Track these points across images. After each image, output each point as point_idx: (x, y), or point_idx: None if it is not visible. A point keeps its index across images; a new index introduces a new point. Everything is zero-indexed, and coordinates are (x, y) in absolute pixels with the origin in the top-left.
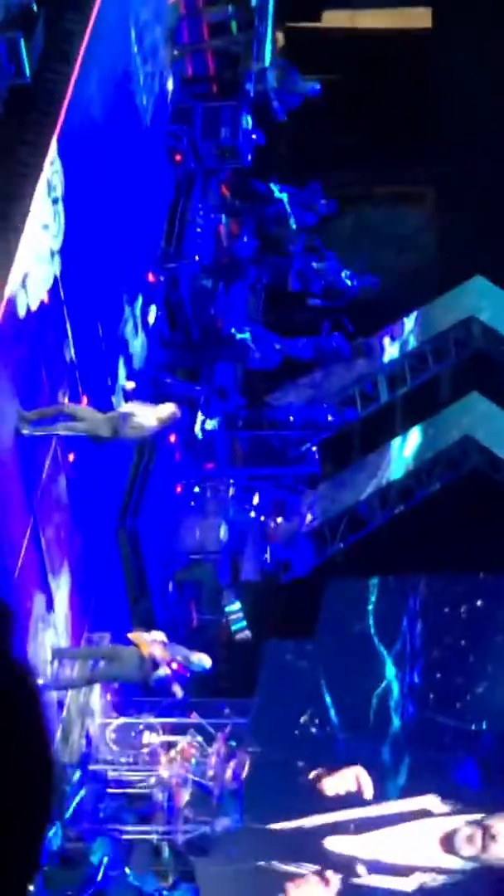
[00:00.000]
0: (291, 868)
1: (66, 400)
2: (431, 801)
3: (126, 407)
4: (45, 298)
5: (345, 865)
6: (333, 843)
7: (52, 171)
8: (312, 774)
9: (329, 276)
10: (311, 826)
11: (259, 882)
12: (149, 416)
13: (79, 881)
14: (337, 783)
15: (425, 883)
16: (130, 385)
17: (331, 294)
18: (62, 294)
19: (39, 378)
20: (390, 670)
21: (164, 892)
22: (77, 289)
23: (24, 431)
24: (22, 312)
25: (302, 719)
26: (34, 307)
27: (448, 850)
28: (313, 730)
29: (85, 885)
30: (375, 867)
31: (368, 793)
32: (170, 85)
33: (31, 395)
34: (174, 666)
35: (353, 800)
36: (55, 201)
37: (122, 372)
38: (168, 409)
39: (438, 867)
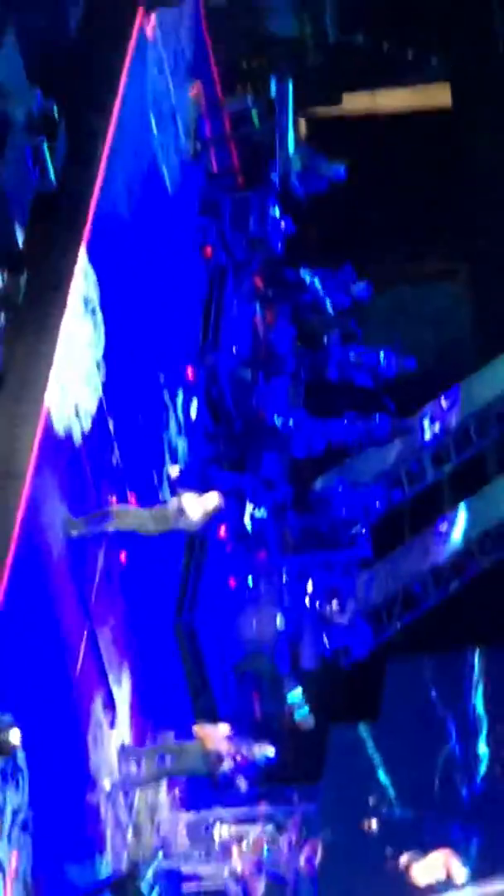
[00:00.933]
0: None
1: (114, 500)
2: None
3: (174, 501)
4: (88, 406)
5: None
6: None
7: (84, 278)
8: (403, 860)
9: (366, 359)
10: None
11: None
12: (195, 507)
13: None
14: (426, 870)
15: None
16: (175, 470)
17: (370, 377)
18: (105, 400)
19: (87, 483)
20: (456, 746)
21: None
22: (119, 392)
23: (74, 532)
24: (64, 423)
25: (370, 802)
26: (77, 417)
27: None
28: (383, 809)
29: None
30: None
31: (460, 877)
32: (196, 179)
33: (79, 502)
34: (239, 758)
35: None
36: (93, 311)
37: (167, 469)
38: (213, 499)
39: None
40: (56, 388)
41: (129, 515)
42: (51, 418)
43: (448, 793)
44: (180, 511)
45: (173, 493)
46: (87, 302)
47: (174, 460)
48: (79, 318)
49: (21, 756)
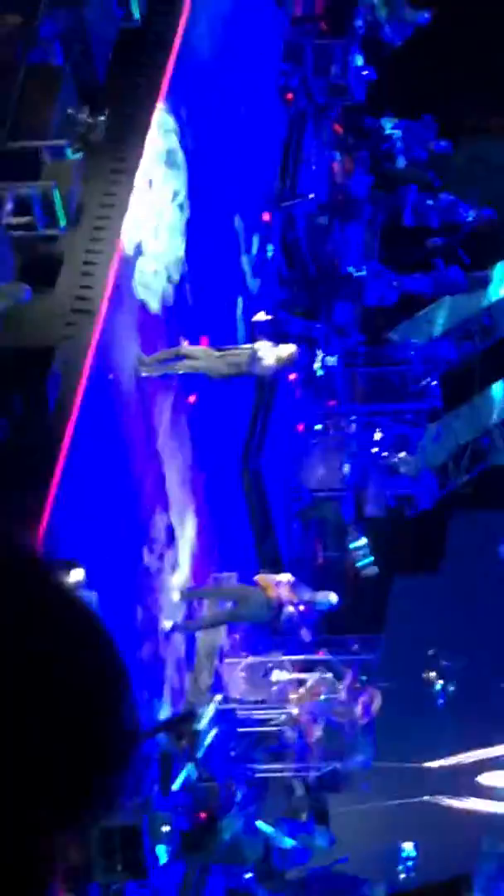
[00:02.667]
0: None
1: (186, 343)
2: None
3: (249, 347)
4: (164, 248)
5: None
6: (489, 779)
7: (165, 119)
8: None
9: (444, 209)
10: (462, 763)
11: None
12: (270, 356)
13: (210, 855)
14: None
15: None
16: (262, 316)
17: (447, 228)
18: (182, 242)
19: (159, 322)
20: None
21: (297, 838)
22: (195, 232)
23: (143, 372)
24: (139, 266)
25: (430, 653)
26: (153, 257)
27: None
28: (444, 662)
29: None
30: None
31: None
32: (280, 23)
33: (151, 341)
34: (301, 607)
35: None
36: (173, 152)
37: (240, 313)
38: (289, 349)
39: None
40: (132, 228)
41: (200, 357)
42: (126, 258)
43: None
44: (254, 357)
45: (252, 338)
46: (167, 142)
47: (248, 305)
48: (159, 159)
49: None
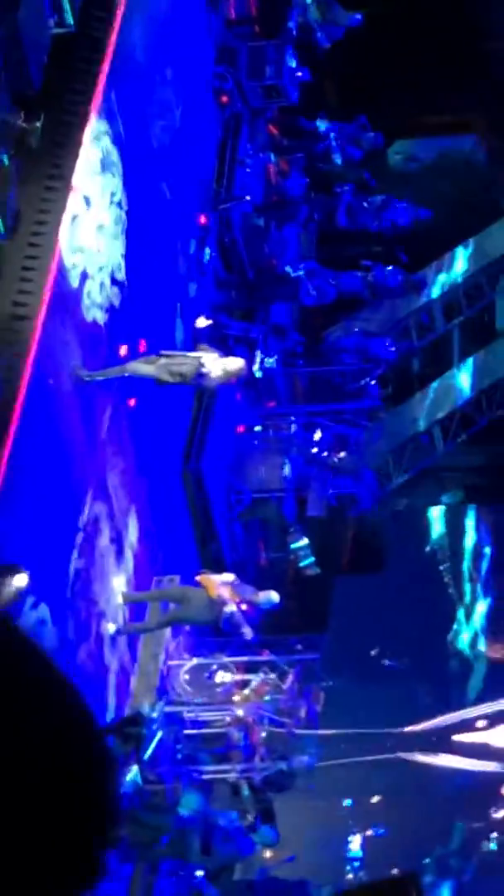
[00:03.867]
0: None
1: (125, 348)
2: None
3: (195, 357)
4: (100, 250)
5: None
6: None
7: (100, 122)
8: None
9: (380, 209)
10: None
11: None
12: (216, 368)
13: (163, 829)
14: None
15: None
16: (202, 322)
17: (383, 227)
18: (115, 241)
19: (98, 326)
20: (460, 598)
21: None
22: (132, 236)
23: (85, 377)
24: (75, 272)
25: (372, 653)
26: (88, 263)
27: None
28: (385, 662)
29: (167, 833)
30: None
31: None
32: (214, 27)
33: (90, 344)
34: (244, 607)
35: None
36: (108, 155)
37: (178, 317)
38: (237, 363)
39: None
40: (68, 233)
41: (144, 366)
42: (63, 262)
43: (449, 644)
44: (200, 369)
45: (194, 343)
46: (101, 146)
47: (186, 309)
48: (93, 162)
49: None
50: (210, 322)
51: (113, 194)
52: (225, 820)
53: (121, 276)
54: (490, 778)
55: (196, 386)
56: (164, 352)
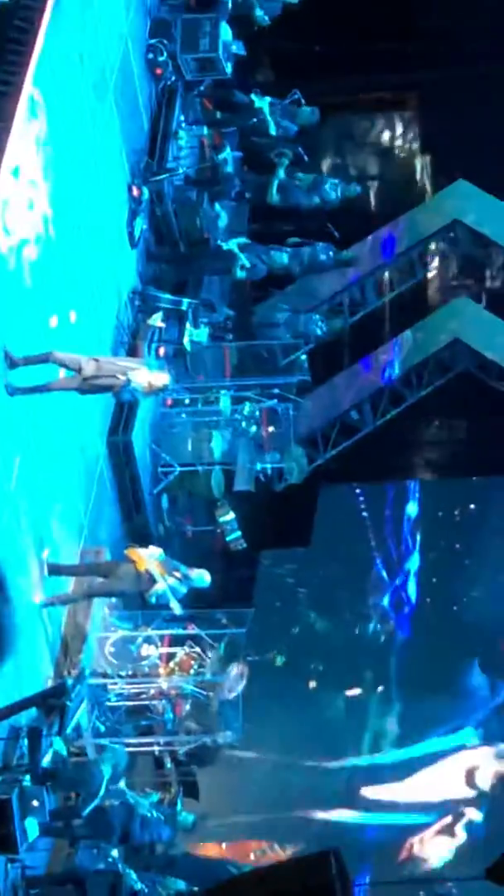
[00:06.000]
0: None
1: (56, 320)
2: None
3: (124, 364)
4: (32, 221)
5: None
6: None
7: (32, 91)
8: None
9: (312, 185)
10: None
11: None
12: (142, 380)
13: (85, 786)
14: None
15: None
16: (158, 321)
17: (315, 203)
18: (49, 219)
19: (29, 302)
20: (386, 576)
21: (158, 812)
22: (62, 209)
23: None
24: (8, 241)
25: (296, 629)
26: (21, 232)
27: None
28: (309, 636)
29: (90, 792)
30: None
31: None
32: None
33: (21, 315)
34: (178, 575)
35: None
36: (39, 125)
37: (110, 289)
38: (163, 378)
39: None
40: (1, 203)
41: (73, 367)
42: None
43: (377, 623)
44: (126, 381)
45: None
46: (34, 117)
47: (119, 280)
48: (26, 133)
49: None
50: (163, 325)
51: (45, 169)
52: (145, 807)
53: (46, 253)
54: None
55: (119, 399)
56: (95, 358)
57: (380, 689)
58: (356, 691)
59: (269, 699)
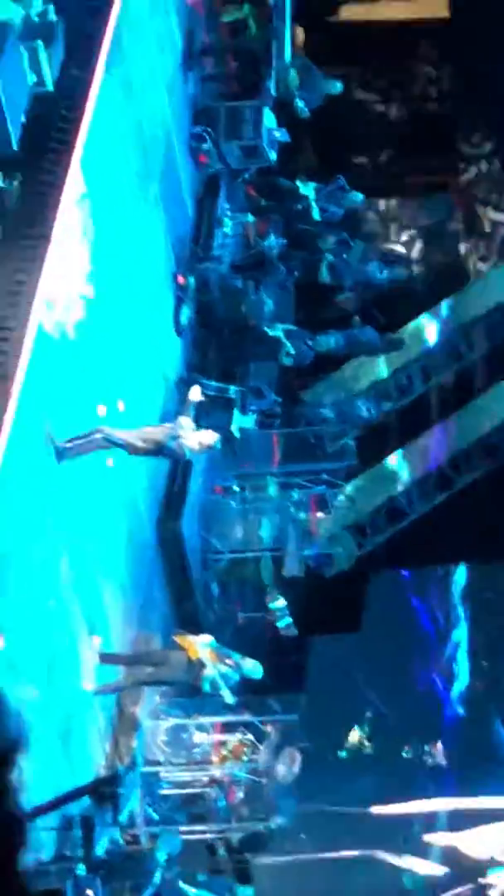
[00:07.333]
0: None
1: (103, 410)
2: None
3: (173, 426)
4: (78, 310)
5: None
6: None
7: (78, 182)
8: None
9: (358, 268)
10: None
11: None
12: (191, 439)
13: (139, 875)
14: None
15: None
16: (196, 395)
17: (361, 287)
18: (96, 306)
19: (76, 388)
20: (437, 659)
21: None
22: (108, 298)
23: (60, 444)
24: (54, 327)
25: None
26: (67, 322)
27: None
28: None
29: (145, 880)
30: None
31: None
32: (191, 87)
33: (68, 405)
34: (230, 662)
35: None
36: (86, 215)
37: (157, 377)
38: (211, 436)
39: None
40: (47, 293)
41: (119, 436)
42: (42, 322)
43: (430, 706)
44: (175, 438)
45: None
46: (80, 206)
47: (164, 369)
48: (72, 222)
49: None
50: (203, 398)
51: (91, 257)
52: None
53: (93, 341)
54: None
55: (168, 455)
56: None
57: (430, 762)
58: (409, 762)
59: (322, 783)
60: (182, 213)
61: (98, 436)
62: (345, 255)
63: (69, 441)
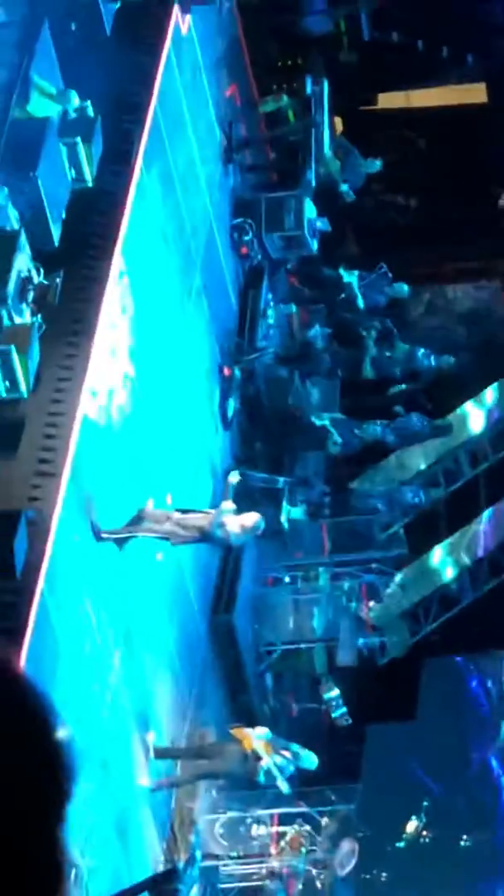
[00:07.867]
0: None
1: (151, 504)
2: None
3: (213, 511)
4: (124, 405)
5: None
6: None
7: (120, 277)
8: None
9: (404, 357)
10: None
11: None
12: (233, 523)
13: None
14: None
15: None
16: (234, 478)
17: (407, 375)
18: (142, 400)
19: (124, 482)
20: (493, 742)
21: None
22: (153, 389)
23: (104, 536)
24: (101, 421)
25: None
26: (114, 416)
27: None
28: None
29: None
30: None
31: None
32: (231, 179)
33: (114, 500)
34: (287, 754)
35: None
36: (129, 311)
37: (205, 470)
38: (253, 518)
39: None
40: (92, 388)
41: (161, 521)
42: (87, 418)
43: (490, 795)
44: (218, 524)
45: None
46: (122, 301)
47: (212, 461)
48: (115, 317)
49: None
50: (240, 478)
51: (133, 351)
52: None
53: (139, 435)
54: None
55: (212, 542)
56: (182, 510)
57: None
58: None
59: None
60: (226, 306)
61: (140, 533)
62: (387, 351)
63: (112, 532)
